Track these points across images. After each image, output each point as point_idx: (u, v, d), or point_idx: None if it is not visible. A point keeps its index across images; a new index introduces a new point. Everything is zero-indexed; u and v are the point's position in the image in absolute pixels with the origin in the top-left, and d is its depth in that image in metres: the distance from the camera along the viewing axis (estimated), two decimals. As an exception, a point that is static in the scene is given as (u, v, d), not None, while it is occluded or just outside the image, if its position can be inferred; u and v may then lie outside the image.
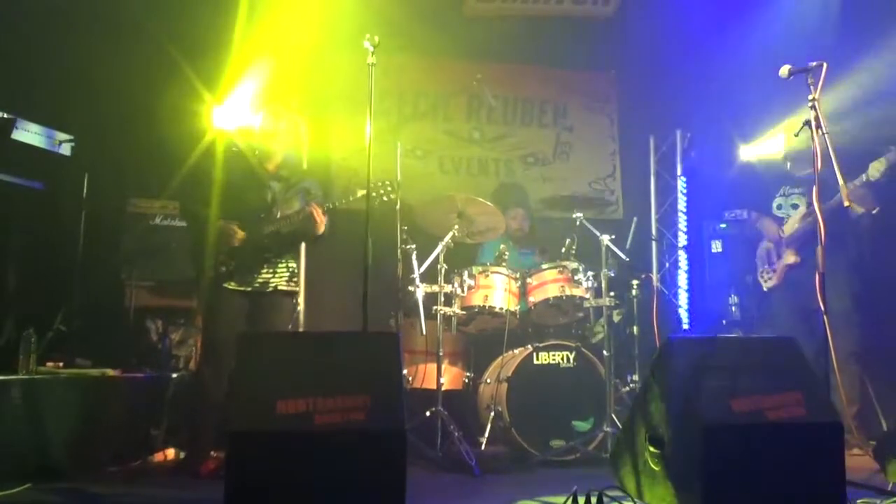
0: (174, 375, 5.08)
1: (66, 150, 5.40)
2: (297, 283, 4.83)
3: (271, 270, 4.61)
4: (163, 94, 6.03)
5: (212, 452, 4.42)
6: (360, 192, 4.63)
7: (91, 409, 4.51)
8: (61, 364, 4.78)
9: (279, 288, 4.62)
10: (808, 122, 3.85)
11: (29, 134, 5.14)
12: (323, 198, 4.86)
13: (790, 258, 5.35)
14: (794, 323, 5.14)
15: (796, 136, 5.32)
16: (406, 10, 6.14)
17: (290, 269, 4.70)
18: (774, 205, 5.65)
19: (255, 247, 4.52)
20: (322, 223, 4.57)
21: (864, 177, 4.88)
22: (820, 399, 3.23)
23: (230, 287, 4.49)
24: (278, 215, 4.60)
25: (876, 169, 4.84)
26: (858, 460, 4.34)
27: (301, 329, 6.45)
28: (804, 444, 3.09)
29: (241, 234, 4.48)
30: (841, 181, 3.77)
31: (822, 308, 3.70)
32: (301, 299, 6.59)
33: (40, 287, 5.28)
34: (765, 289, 5.55)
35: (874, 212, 4.95)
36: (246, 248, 4.50)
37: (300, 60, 6.30)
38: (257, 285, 4.55)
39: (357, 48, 4.36)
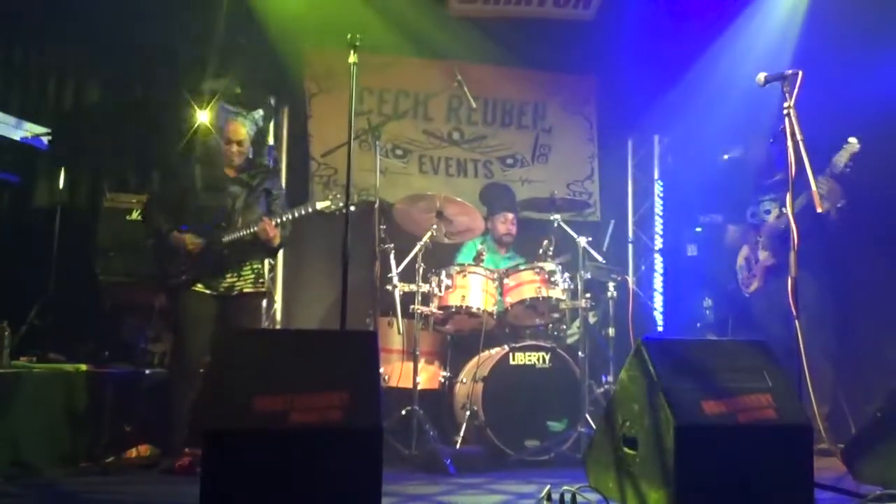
0: (148, 371, 5.07)
1: (42, 143, 5.36)
2: (263, 285, 4.83)
3: (236, 274, 4.62)
4: (142, 89, 6.01)
5: (185, 449, 4.41)
6: (321, 205, 4.63)
7: (65, 404, 4.49)
8: (35, 359, 4.75)
9: (245, 290, 4.64)
10: (783, 130, 3.90)
11: (4, 126, 5.10)
12: (284, 197, 4.84)
13: (767, 259, 5.42)
14: (769, 325, 5.21)
15: (772, 143, 5.43)
16: (388, 9, 6.15)
17: (256, 271, 4.70)
18: (748, 212, 5.72)
19: (216, 254, 4.51)
20: (275, 237, 4.55)
21: (828, 171, 5.00)
22: (790, 401, 3.28)
23: (198, 290, 4.50)
24: (239, 222, 4.57)
25: (840, 160, 4.97)
26: (827, 462, 4.41)
27: (278, 327, 6.46)
28: (774, 445, 3.14)
29: (195, 243, 4.46)
30: (814, 188, 3.82)
31: (794, 312, 3.76)
32: (279, 298, 6.61)
33: (14, 281, 5.23)
34: (746, 294, 5.61)
35: (839, 205, 5.04)
36: (207, 255, 4.49)
37: (281, 58, 6.30)
38: (223, 289, 4.56)
39: (339, 46, 4.37)
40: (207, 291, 4.53)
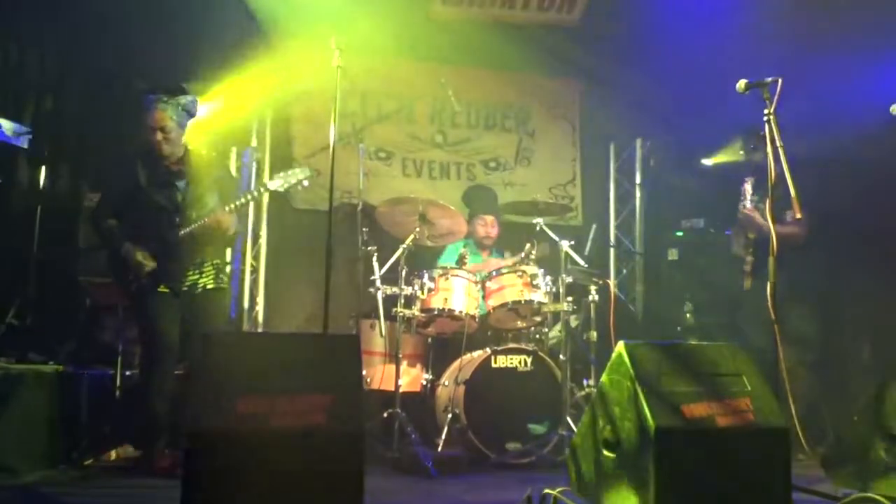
0: (128, 372, 5.04)
1: (23, 142, 5.32)
2: (224, 280, 4.73)
3: (197, 272, 4.56)
4: (122, 89, 5.98)
5: (165, 451, 4.38)
6: (273, 185, 4.59)
7: (43, 405, 4.45)
8: (13, 359, 4.71)
9: (208, 287, 4.58)
10: (763, 136, 3.93)
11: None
12: (235, 187, 4.75)
13: (747, 260, 5.46)
14: (752, 331, 5.24)
15: (752, 148, 5.46)
16: (372, 12, 6.15)
17: (216, 266, 4.64)
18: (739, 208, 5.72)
19: (173, 252, 4.44)
20: (229, 226, 4.51)
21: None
22: (769, 405, 3.31)
23: (162, 290, 4.44)
24: (193, 216, 4.49)
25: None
26: (805, 467, 4.45)
27: (260, 330, 6.45)
28: (753, 448, 3.17)
29: (147, 264, 4.39)
30: (794, 194, 3.85)
31: (773, 317, 3.80)
32: (261, 300, 6.60)
33: (-7, 281, 5.20)
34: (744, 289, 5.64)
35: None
36: (165, 256, 4.42)
37: (266, 60, 6.28)
38: (185, 289, 4.50)
39: (323, 49, 4.37)
40: (170, 292, 4.45)
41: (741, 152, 5.52)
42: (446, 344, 5.52)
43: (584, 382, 5.58)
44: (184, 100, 4.51)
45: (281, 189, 4.63)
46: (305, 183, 4.67)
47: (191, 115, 4.57)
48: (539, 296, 5.16)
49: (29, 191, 5.59)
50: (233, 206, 4.51)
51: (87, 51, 5.95)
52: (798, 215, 3.93)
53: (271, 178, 4.67)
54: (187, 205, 4.51)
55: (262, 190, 4.62)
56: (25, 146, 5.35)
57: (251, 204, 4.93)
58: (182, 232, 4.45)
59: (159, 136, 4.47)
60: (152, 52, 5.92)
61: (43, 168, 5.54)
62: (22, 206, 5.57)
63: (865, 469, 3.74)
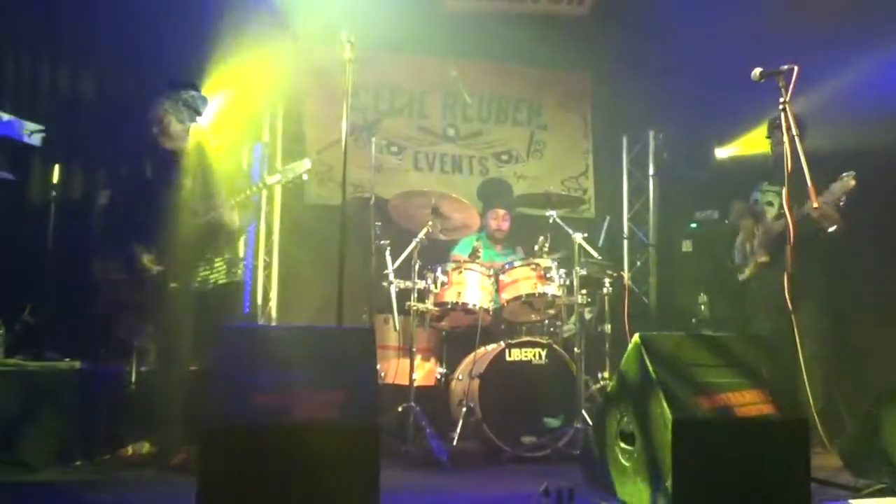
0: (144, 369, 5.05)
1: (36, 140, 5.34)
2: (236, 273, 4.72)
3: (208, 267, 4.54)
4: (135, 85, 5.99)
5: (181, 446, 4.38)
6: (271, 179, 4.59)
7: (60, 402, 4.47)
8: (30, 357, 4.73)
9: (219, 282, 4.57)
10: (778, 125, 3.90)
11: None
12: (245, 182, 4.72)
13: (762, 257, 5.41)
14: (765, 321, 5.21)
15: (767, 138, 5.41)
16: (383, 6, 6.13)
17: (227, 261, 4.63)
18: (751, 199, 5.68)
19: (180, 248, 4.41)
20: (232, 221, 4.50)
21: (825, 195, 4.92)
22: (786, 396, 3.29)
23: (174, 287, 4.43)
24: (201, 211, 4.48)
25: (834, 193, 4.89)
26: (823, 458, 4.42)
27: (275, 324, 6.45)
28: (771, 440, 3.15)
29: (154, 268, 4.41)
30: (810, 184, 3.82)
31: (790, 307, 3.77)
32: (274, 295, 6.60)
33: (8, 279, 5.21)
34: (739, 279, 5.60)
35: (832, 229, 4.99)
36: (172, 252, 4.40)
37: (277, 55, 6.28)
38: (197, 284, 4.50)
39: (334, 43, 4.35)
40: (182, 288, 4.44)
41: (768, 140, 5.42)
42: (460, 338, 5.51)
43: (599, 375, 5.56)
44: (186, 95, 4.51)
45: (279, 184, 4.63)
46: (305, 177, 4.67)
47: (195, 110, 4.56)
48: (553, 288, 5.14)
49: (43, 189, 5.60)
50: (233, 201, 4.51)
51: (98, 48, 5.96)
52: (815, 204, 3.90)
53: (271, 173, 4.67)
54: (195, 200, 4.51)
55: (261, 185, 4.61)
56: (39, 144, 5.36)
57: (263, 200, 4.92)
58: (188, 228, 4.44)
59: (157, 130, 4.50)
60: (164, 48, 5.92)
61: (57, 166, 5.54)
62: (36, 203, 5.59)
63: (884, 459, 3.71)
